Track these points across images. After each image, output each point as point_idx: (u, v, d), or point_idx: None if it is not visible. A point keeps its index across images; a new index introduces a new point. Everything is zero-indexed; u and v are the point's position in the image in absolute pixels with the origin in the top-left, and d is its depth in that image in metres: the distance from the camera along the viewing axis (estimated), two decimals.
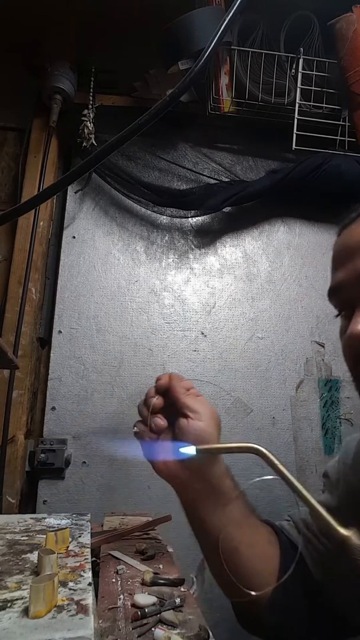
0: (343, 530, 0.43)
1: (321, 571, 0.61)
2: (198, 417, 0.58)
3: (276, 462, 0.43)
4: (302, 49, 1.35)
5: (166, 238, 1.44)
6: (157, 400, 0.60)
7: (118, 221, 1.43)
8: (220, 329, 1.39)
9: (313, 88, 1.36)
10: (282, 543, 0.64)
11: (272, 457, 0.43)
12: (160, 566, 0.71)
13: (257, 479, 0.57)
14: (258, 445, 0.46)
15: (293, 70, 1.37)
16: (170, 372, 0.63)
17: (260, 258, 1.47)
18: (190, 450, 0.50)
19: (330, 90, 1.36)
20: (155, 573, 0.65)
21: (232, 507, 0.59)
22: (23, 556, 0.38)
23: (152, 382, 1.46)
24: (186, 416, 0.59)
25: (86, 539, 0.43)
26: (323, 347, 1.42)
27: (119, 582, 0.64)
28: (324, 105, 1.37)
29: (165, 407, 0.61)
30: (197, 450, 0.52)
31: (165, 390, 0.61)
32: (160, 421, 0.59)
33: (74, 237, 1.39)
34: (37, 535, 0.44)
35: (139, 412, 0.62)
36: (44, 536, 0.41)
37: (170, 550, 0.81)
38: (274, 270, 1.47)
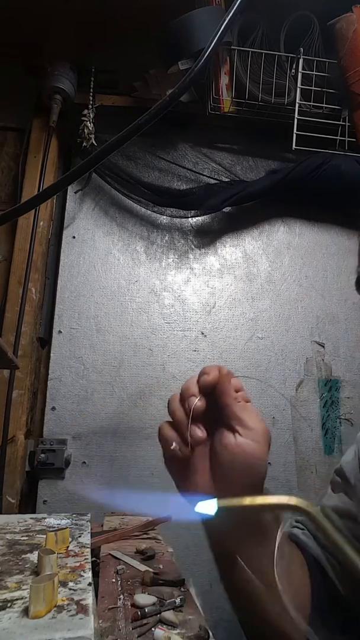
0: None
1: (347, 586, 0.53)
2: (251, 435, 0.45)
3: (329, 528, 0.30)
4: (302, 49, 1.35)
5: (166, 238, 1.44)
6: (200, 403, 0.45)
7: (118, 221, 1.43)
8: (220, 329, 1.39)
9: (313, 88, 1.36)
10: (307, 560, 0.55)
11: (324, 521, 0.30)
12: (160, 566, 0.71)
13: None
14: (303, 500, 0.32)
15: (293, 70, 1.37)
16: (218, 365, 0.48)
17: (260, 258, 1.47)
18: (208, 507, 0.35)
19: (330, 90, 1.36)
20: (155, 573, 0.65)
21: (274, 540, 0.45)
22: (23, 556, 0.38)
23: (152, 382, 1.46)
24: (234, 430, 0.45)
25: (86, 539, 0.43)
26: (323, 347, 1.42)
27: (119, 582, 0.64)
28: (324, 105, 1.37)
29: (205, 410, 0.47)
30: (220, 508, 0.36)
31: (211, 389, 0.46)
32: (200, 433, 0.44)
33: (74, 237, 1.39)
34: (37, 535, 0.44)
35: (172, 411, 0.47)
36: (44, 536, 0.41)
37: (170, 550, 0.81)
38: (274, 270, 1.47)
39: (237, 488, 0.44)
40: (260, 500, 0.37)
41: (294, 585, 0.50)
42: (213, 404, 0.46)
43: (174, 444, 0.45)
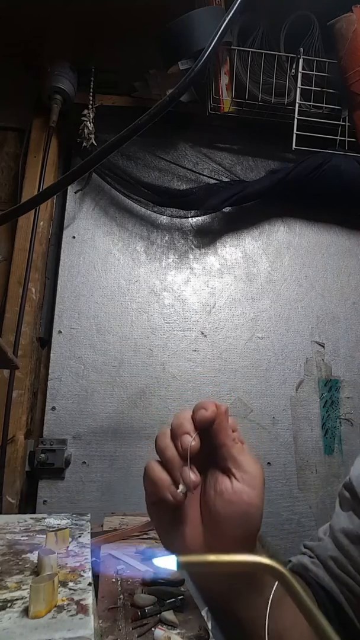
0: None
1: None
2: (248, 480, 0.40)
3: (299, 590, 0.28)
4: (302, 49, 1.35)
5: (166, 238, 1.44)
6: (195, 443, 0.39)
7: (118, 221, 1.43)
8: (220, 329, 1.39)
9: (313, 88, 1.36)
10: (317, 596, 0.50)
11: (293, 581, 0.28)
12: None
13: None
14: (272, 561, 0.30)
15: (293, 70, 1.37)
16: (214, 401, 0.42)
17: (260, 258, 1.47)
18: (168, 563, 0.30)
19: (330, 90, 1.36)
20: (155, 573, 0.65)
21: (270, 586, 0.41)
22: (23, 556, 0.38)
23: (152, 382, 1.46)
24: (230, 474, 0.41)
25: (86, 539, 0.43)
26: (323, 347, 1.42)
27: (119, 582, 0.64)
28: (324, 105, 1.37)
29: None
30: (179, 566, 0.31)
31: (209, 425, 0.41)
32: (195, 477, 0.39)
33: (74, 237, 1.39)
34: (37, 535, 0.44)
35: (161, 449, 0.41)
36: (44, 536, 0.41)
37: None
38: (274, 270, 1.47)
39: (231, 541, 0.39)
40: (227, 558, 0.32)
41: (302, 634, 0.43)
42: (206, 443, 0.41)
43: (180, 487, 0.38)
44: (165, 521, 0.42)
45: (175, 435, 0.40)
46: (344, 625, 0.48)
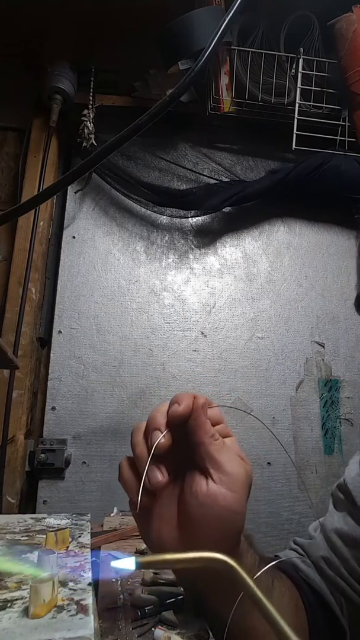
0: None
1: (352, 620, 0.48)
2: (226, 482, 0.37)
3: (247, 579, 0.29)
4: (302, 49, 1.35)
5: (166, 238, 1.44)
6: (164, 440, 0.37)
7: (118, 221, 1.43)
8: (220, 329, 1.39)
9: (313, 88, 1.36)
10: (305, 596, 0.48)
11: (241, 571, 0.30)
12: None
13: None
14: (224, 556, 0.31)
15: (293, 70, 1.37)
16: (194, 393, 0.40)
17: (260, 258, 1.47)
18: (125, 564, 0.30)
19: (330, 90, 1.36)
20: (155, 573, 0.65)
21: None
22: (23, 556, 0.38)
23: (152, 382, 1.46)
24: (207, 474, 0.38)
25: (86, 539, 0.43)
26: (323, 347, 1.42)
27: (119, 582, 0.64)
28: (324, 105, 1.37)
29: (174, 445, 0.38)
30: (138, 566, 0.31)
31: (182, 421, 0.39)
32: (160, 476, 0.37)
33: (74, 237, 1.39)
34: (37, 535, 0.44)
35: (132, 446, 0.39)
36: (44, 536, 0.41)
37: None
38: (274, 270, 1.47)
39: (207, 542, 0.37)
40: (182, 556, 0.32)
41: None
42: (182, 437, 0.39)
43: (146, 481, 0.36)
44: (143, 518, 0.40)
45: (147, 431, 0.39)
46: (332, 626, 0.47)
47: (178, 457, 0.39)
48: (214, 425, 0.40)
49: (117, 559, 0.31)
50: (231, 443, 0.40)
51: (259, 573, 0.39)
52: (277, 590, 0.45)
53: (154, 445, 0.37)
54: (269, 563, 0.41)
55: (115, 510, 1.08)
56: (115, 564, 0.31)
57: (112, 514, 1.07)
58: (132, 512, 0.41)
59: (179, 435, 0.39)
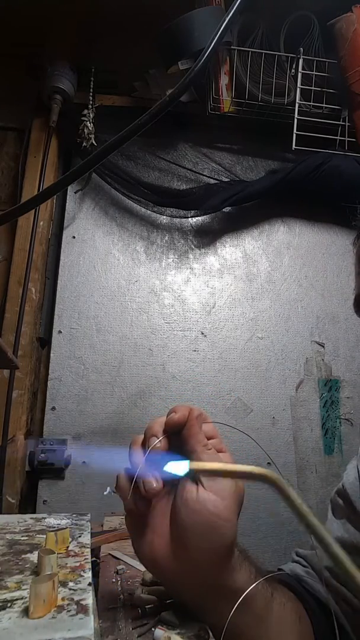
0: None
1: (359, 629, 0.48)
2: (216, 489, 0.38)
3: (293, 495, 0.31)
4: (302, 49, 1.35)
5: (166, 238, 1.44)
6: (160, 445, 0.39)
7: (118, 221, 1.43)
8: (220, 329, 1.39)
9: (313, 88, 1.35)
10: (309, 607, 0.48)
11: (289, 488, 0.31)
12: None
13: None
14: (272, 473, 0.32)
15: (293, 70, 1.37)
16: (191, 405, 0.42)
17: (260, 258, 1.47)
18: (179, 467, 0.32)
19: (330, 90, 1.36)
20: None
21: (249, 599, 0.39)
22: (23, 556, 0.38)
23: (152, 382, 1.46)
24: (198, 482, 0.39)
25: (86, 539, 0.43)
26: (323, 347, 1.42)
27: (119, 582, 0.64)
28: (324, 105, 1.37)
29: (169, 454, 0.40)
30: (189, 471, 0.32)
31: (178, 429, 0.40)
32: (155, 483, 0.38)
33: (74, 237, 1.39)
34: (37, 535, 0.44)
35: (130, 455, 0.42)
36: (44, 536, 0.41)
37: None
38: (274, 270, 1.47)
39: (197, 552, 0.37)
40: (232, 467, 0.33)
41: None
42: (181, 450, 0.40)
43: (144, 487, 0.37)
44: (136, 527, 0.41)
45: (145, 440, 0.41)
46: (337, 636, 0.46)
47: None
48: (208, 439, 0.41)
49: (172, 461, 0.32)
50: (224, 457, 0.41)
51: (258, 582, 0.40)
52: (277, 600, 0.45)
53: (150, 448, 0.38)
54: (267, 575, 0.42)
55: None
56: (169, 466, 0.32)
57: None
58: (126, 524, 0.42)
59: (176, 447, 0.40)
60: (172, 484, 0.40)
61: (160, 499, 0.40)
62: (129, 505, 0.40)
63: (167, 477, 0.38)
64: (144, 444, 0.40)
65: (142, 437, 0.42)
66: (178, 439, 0.40)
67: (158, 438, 0.39)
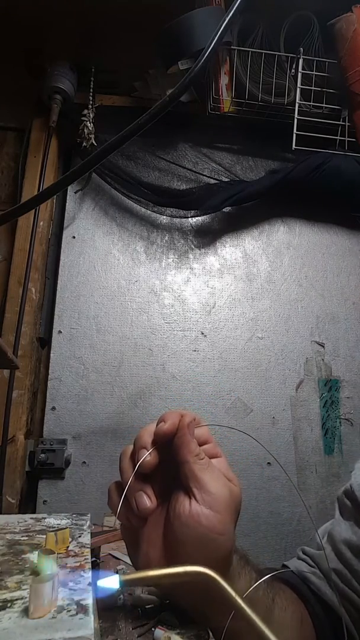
0: None
1: None
2: (209, 502, 0.37)
3: (229, 590, 0.30)
4: (302, 49, 1.35)
5: (166, 238, 1.44)
6: (151, 458, 0.37)
7: (118, 221, 1.43)
8: (220, 329, 1.39)
9: (313, 88, 1.36)
10: (313, 609, 0.48)
11: (224, 584, 0.30)
12: None
13: None
14: (207, 569, 0.31)
15: (293, 70, 1.37)
16: (183, 411, 0.40)
17: (260, 258, 1.47)
18: (110, 582, 0.30)
19: (330, 90, 1.36)
20: None
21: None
22: (23, 556, 0.38)
23: (152, 382, 1.46)
24: (190, 494, 0.37)
25: (86, 539, 0.43)
26: (323, 347, 1.42)
27: None
28: (324, 105, 1.37)
29: (161, 464, 0.39)
30: (122, 583, 0.31)
31: (169, 438, 0.39)
32: (148, 502, 0.37)
33: (74, 237, 1.39)
34: (37, 535, 0.44)
35: (120, 470, 0.40)
36: (44, 536, 0.41)
37: None
38: (274, 270, 1.47)
39: (192, 564, 0.36)
40: (166, 571, 0.32)
41: None
42: (168, 456, 0.38)
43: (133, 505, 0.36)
44: (131, 539, 0.40)
45: (134, 451, 0.39)
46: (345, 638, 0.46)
47: (167, 479, 0.39)
48: (201, 444, 0.40)
49: (100, 577, 0.30)
50: (218, 463, 0.40)
51: (258, 583, 0.40)
52: (277, 606, 0.44)
53: (139, 463, 0.37)
54: (271, 574, 0.41)
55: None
56: (100, 582, 0.31)
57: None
58: (122, 534, 0.41)
59: (168, 456, 0.38)
60: (165, 495, 0.39)
61: (154, 510, 0.39)
62: (121, 520, 0.39)
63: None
64: (134, 456, 0.39)
65: (132, 447, 0.40)
66: (170, 447, 0.39)
67: (148, 450, 0.38)
